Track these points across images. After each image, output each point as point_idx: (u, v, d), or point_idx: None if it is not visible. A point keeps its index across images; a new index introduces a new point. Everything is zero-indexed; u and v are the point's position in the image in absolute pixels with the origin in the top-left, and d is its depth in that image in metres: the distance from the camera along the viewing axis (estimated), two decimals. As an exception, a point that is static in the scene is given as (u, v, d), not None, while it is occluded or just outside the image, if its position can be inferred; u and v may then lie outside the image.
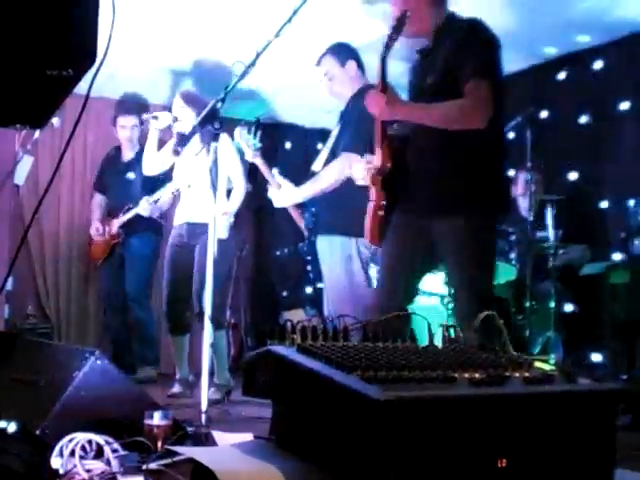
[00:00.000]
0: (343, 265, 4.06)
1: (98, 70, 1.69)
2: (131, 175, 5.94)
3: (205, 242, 4.68)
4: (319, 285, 4.36)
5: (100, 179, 6.32)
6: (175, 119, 4.94)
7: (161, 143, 5.12)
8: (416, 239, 3.10)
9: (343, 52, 4.23)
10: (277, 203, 4.29)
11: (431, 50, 3.16)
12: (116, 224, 5.94)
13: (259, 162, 4.39)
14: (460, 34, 3.04)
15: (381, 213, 3.11)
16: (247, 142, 4.32)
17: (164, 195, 5.45)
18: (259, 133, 4.32)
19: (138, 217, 5.75)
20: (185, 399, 4.68)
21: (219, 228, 4.65)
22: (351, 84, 4.18)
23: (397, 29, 2.98)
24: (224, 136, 4.87)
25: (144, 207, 5.60)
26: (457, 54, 2.98)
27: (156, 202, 5.56)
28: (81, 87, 1.74)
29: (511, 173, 5.50)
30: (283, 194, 4.22)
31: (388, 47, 2.98)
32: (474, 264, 2.99)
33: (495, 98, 2.93)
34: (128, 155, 6.13)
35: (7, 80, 1.49)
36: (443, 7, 3.19)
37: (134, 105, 6.56)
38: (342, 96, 4.22)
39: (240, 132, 4.30)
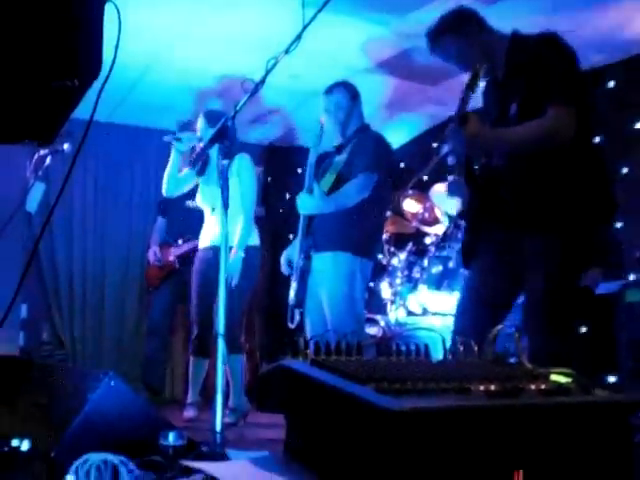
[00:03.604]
0: (347, 281, 4.17)
1: (103, 86, 1.70)
2: (191, 203, 5.72)
3: (233, 263, 4.74)
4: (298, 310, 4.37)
5: (162, 202, 6.13)
6: (200, 139, 4.91)
7: None
8: (505, 262, 3.12)
9: (353, 88, 4.52)
10: (304, 209, 4.32)
11: (505, 78, 3.14)
12: (172, 252, 5.83)
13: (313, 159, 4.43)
14: (533, 55, 3.00)
15: (471, 243, 3.21)
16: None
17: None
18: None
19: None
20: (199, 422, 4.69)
21: (235, 258, 4.72)
22: (356, 119, 4.47)
23: (473, 84, 2.96)
24: (245, 159, 4.92)
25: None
26: (534, 76, 2.96)
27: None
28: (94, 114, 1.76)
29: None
30: (312, 200, 4.27)
31: (465, 101, 2.97)
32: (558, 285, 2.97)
33: (579, 112, 2.91)
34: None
35: (13, 94, 1.50)
36: (487, 33, 3.20)
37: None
38: (344, 128, 4.47)
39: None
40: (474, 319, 3.12)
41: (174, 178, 5.06)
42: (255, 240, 5.06)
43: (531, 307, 3.04)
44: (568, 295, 2.97)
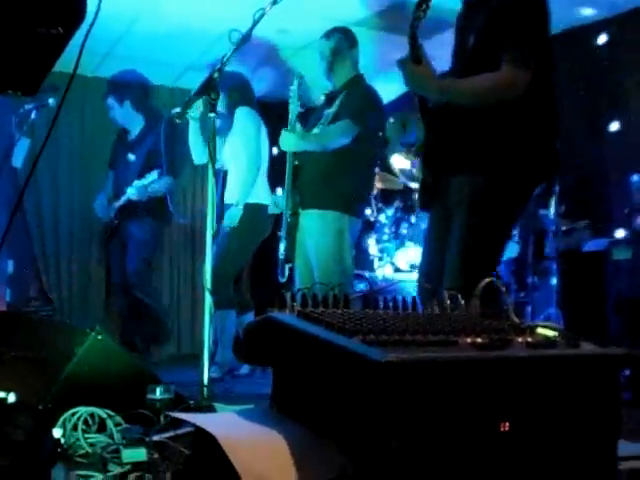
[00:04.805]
0: (335, 239, 4.15)
1: (87, 35, 1.66)
2: (131, 156, 5.75)
3: (229, 215, 4.79)
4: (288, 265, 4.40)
5: (111, 156, 6.11)
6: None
7: None
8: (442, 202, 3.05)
9: (352, 36, 4.48)
10: (285, 146, 4.31)
11: (476, 3, 3.01)
12: (114, 207, 5.76)
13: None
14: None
15: (427, 181, 3.08)
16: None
17: (155, 179, 5.39)
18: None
19: (137, 202, 5.56)
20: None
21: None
22: (349, 67, 4.43)
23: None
24: (244, 111, 4.90)
25: (132, 192, 5.46)
26: (499, 14, 2.83)
27: (146, 187, 5.41)
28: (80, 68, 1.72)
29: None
30: (293, 137, 4.27)
31: (418, 19, 2.89)
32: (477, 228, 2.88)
33: (537, 64, 2.80)
34: (131, 135, 5.89)
35: (-4, 42, 1.47)
36: None
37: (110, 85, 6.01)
38: (337, 76, 4.42)
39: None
40: (427, 266, 3.10)
41: (197, 145, 4.96)
42: (260, 198, 4.99)
43: (450, 245, 2.95)
44: (485, 238, 2.88)
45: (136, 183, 5.42)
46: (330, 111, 4.34)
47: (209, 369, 4.87)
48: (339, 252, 4.19)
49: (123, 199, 5.60)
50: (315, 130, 4.35)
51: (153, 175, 5.35)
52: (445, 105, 3.00)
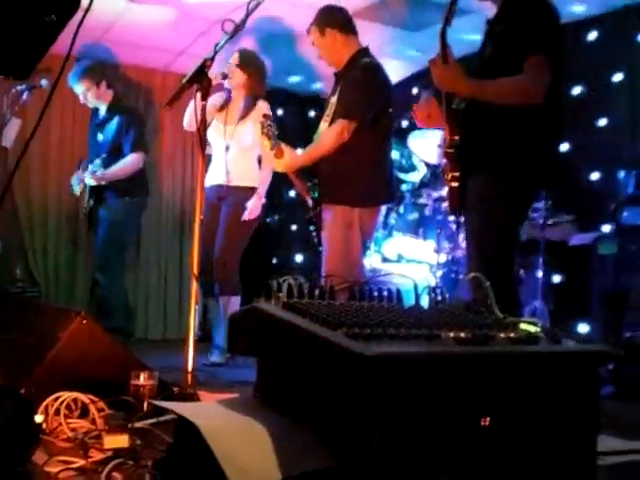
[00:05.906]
0: (342, 232, 4.08)
1: (81, 22, 1.66)
2: (100, 136, 5.60)
3: (230, 203, 4.90)
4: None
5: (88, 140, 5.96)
6: (225, 76, 4.81)
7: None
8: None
9: (323, 21, 4.20)
10: (279, 169, 4.28)
11: (496, 19, 3.16)
12: (87, 193, 5.62)
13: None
14: (522, 4, 3.03)
15: (455, 184, 3.14)
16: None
17: (98, 167, 5.30)
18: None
19: (103, 185, 5.43)
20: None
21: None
22: (335, 52, 4.19)
23: (454, 4, 2.94)
24: (263, 104, 5.00)
25: (87, 177, 5.39)
26: (516, 25, 2.98)
27: (95, 172, 5.29)
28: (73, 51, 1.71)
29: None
30: (285, 160, 4.20)
31: (447, 20, 2.94)
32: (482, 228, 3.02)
33: (551, 72, 2.94)
34: (99, 114, 5.67)
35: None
36: None
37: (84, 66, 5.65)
38: (330, 64, 4.26)
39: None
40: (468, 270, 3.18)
41: (190, 113, 4.93)
42: (254, 181, 5.07)
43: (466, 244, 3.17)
44: (494, 236, 3.02)
45: (90, 168, 5.35)
46: (333, 100, 4.18)
47: (210, 353, 4.97)
48: (345, 246, 4.09)
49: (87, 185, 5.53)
50: (321, 124, 4.25)
51: (96, 164, 5.29)
52: (468, 106, 3.09)
